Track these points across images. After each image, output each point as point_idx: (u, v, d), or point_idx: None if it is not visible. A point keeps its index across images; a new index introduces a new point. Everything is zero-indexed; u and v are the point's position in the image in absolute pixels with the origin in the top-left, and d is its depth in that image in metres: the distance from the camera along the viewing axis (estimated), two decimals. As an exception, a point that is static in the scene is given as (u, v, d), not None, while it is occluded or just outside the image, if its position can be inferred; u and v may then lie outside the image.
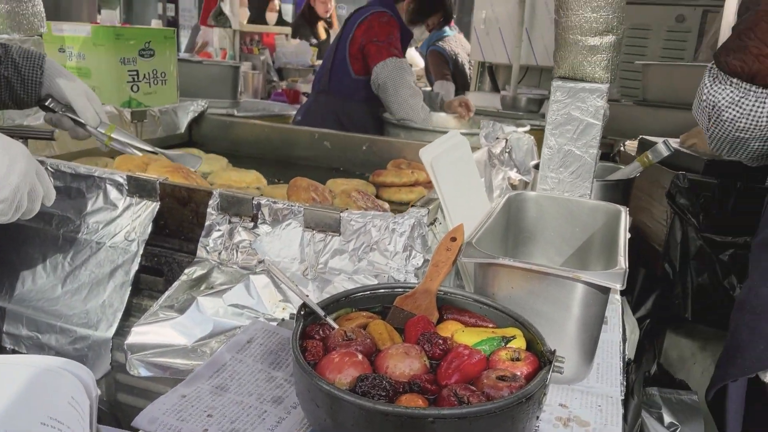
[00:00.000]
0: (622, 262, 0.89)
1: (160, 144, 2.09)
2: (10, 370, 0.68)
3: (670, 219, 1.57)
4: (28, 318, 1.14)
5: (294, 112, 3.24)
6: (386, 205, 1.53)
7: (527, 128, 2.65)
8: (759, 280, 1.18)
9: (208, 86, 3.03)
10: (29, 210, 0.91)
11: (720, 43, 2.46)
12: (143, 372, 0.93)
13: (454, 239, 0.97)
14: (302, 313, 0.81)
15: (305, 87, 4.48)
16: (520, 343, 0.81)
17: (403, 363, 0.74)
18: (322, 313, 0.82)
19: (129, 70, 2.03)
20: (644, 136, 1.92)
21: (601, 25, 1.22)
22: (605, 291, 0.87)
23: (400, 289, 0.91)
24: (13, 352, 1.16)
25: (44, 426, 0.67)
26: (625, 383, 0.95)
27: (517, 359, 0.77)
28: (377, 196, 1.72)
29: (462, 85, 4.72)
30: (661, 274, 1.59)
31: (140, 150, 1.40)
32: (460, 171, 1.22)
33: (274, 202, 1.05)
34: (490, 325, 0.86)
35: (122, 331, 1.08)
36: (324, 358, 0.73)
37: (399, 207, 1.67)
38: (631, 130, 3.08)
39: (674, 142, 1.85)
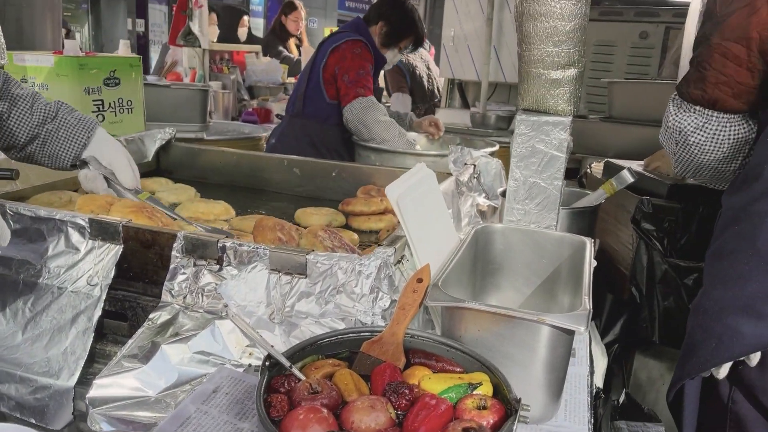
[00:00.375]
0: (587, 302, 0.90)
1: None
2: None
3: (636, 243, 1.60)
4: (-13, 367, 1.10)
5: (265, 133, 3.23)
6: (355, 236, 1.53)
7: (496, 148, 2.68)
8: (709, 284, 1.24)
9: (176, 111, 3.00)
10: None
11: (683, 59, 2.52)
12: (105, 427, 0.90)
13: (420, 280, 0.97)
14: (267, 364, 0.80)
15: (276, 106, 4.47)
16: (486, 389, 0.81)
17: (369, 417, 0.73)
18: (287, 363, 0.82)
19: (94, 100, 2.00)
20: (610, 160, 1.95)
21: (563, 59, 1.24)
22: (570, 332, 0.88)
23: (366, 333, 0.91)
24: (-29, 403, 1.12)
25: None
26: (593, 419, 0.96)
27: (484, 407, 0.77)
28: (347, 225, 1.72)
29: (420, 97, 4.76)
30: (628, 298, 1.62)
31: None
32: (427, 205, 1.22)
33: (240, 245, 1.04)
34: (458, 369, 0.86)
35: (84, 379, 1.06)
36: (288, 415, 0.73)
37: (368, 236, 1.67)
38: (598, 145, 3.14)
39: (638, 165, 1.88)
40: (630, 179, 1.49)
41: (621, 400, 1.24)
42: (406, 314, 0.92)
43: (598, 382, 1.35)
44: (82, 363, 1.06)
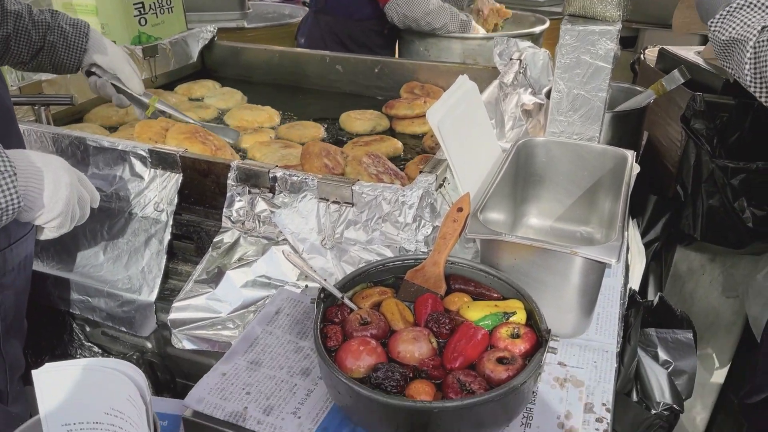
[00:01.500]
0: (621, 231, 0.94)
1: (175, 75, 2.11)
2: (77, 371, 0.79)
3: (684, 141, 1.58)
4: (77, 283, 1.25)
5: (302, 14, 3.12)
6: (399, 145, 1.56)
7: (546, 25, 2.55)
8: None
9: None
10: (82, 216, 0.98)
11: None
12: (187, 345, 1.05)
13: (460, 209, 1.02)
14: (321, 296, 0.90)
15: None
16: (520, 316, 0.89)
17: (413, 347, 0.83)
18: (339, 295, 0.91)
19: (134, 3, 2.00)
20: (665, 48, 1.85)
21: (613, -41, 1.17)
22: (602, 262, 0.93)
23: (410, 261, 0.98)
24: (68, 314, 1.29)
25: (108, 415, 0.80)
26: (622, 333, 1.04)
27: (517, 336, 0.85)
28: (391, 128, 1.75)
29: None
30: (672, 196, 1.63)
31: (180, 120, 1.44)
32: (469, 122, 1.24)
33: (290, 175, 1.11)
34: (494, 295, 0.94)
35: (162, 294, 1.20)
36: (343, 346, 0.83)
37: (413, 140, 1.69)
38: (657, 10, 2.90)
39: (695, 54, 1.79)
40: (681, 80, 1.44)
41: (655, 302, 1.30)
42: (447, 243, 0.98)
43: (635, 283, 1.41)
44: (159, 281, 1.19)
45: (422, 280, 0.95)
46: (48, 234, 0.93)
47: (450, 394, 0.76)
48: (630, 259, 1.33)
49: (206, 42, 2.19)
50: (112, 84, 1.38)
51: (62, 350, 1.32)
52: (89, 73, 1.40)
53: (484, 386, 0.77)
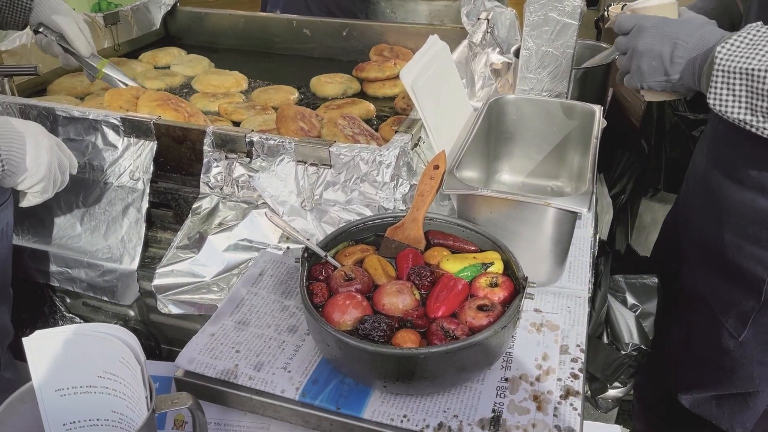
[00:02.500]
0: (590, 182, 0.98)
1: (139, 44, 2.07)
2: (67, 337, 0.80)
3: (648, 96, 1.62)
4: (55, 255, 1.25)
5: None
6: (371, 107, 1.57)
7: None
8: None
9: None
10: (62, 182, 0.97)
11: None
12: (173, 309, 1.06)
13: (437, 167, 1.05)
14: (305, 255, 0.92)
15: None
16: (498, 267, 0.93)
17: (397, 299, 0.86)
18: (323, 253, 0.93)
19: (92, -31, 1.93)
20: (628, 4, 1.88)
21: None
22: (574, 212, 0.97)
23: (389, 219, 1.01)
24: (47, 286, 1.29)
25: (101, 378, 0.82)
26: (593, 279, 1.09)
27: (495, 285, 0.89)
28: (362, 91, 1.75)
29: None
30: (637, 150, 1.68)
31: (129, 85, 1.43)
32: (441, 81, 1.25)
33: (267, 139, 1.11)
34: (472, 248, 0.98)
35: (143, 262, 1.20)
36: (329, 301, 0.86)
37: (384, 102, 1.70)
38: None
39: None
40: (645, 35, 1.47)
41: (623, 251, 1.36)
42: (425, 200, 1.01)
43: (603, 234, 1.47)
44: (140, 249, 1.19)
45: (402, 236, 0.98)
46: (31, 200, 0.93)
47: (435, 340, 0.80)
48: (599, 211, 1.38)
49: (168, 8, 2.14)
50: (60, 44, 1.36)
51: (43, 323, 1.32)
52: (36, 32, 1.37)
53: (466, 332, 0.81)
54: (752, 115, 0.84)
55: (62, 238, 1.26)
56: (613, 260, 1.28)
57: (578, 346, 0.92)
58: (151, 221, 1.25)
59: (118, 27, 1.96)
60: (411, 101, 1.60)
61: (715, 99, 0.87)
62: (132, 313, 1.25)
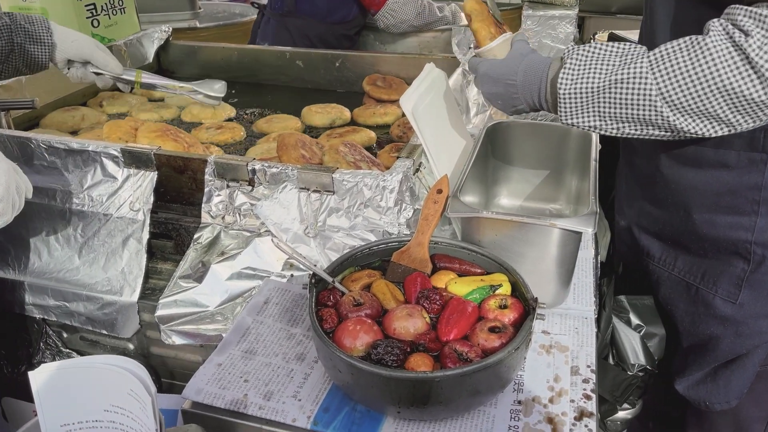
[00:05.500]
0: (594, 203, 0.99)
1: (131, 78, 2.07)
2: (74, 370, 0.78)
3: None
4: (53, 289, 1.23)
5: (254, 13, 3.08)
6: (372, 135, 1.58)
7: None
8: None
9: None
10: (19, 206, 0.96)
11: None
12: (177, 340, 1.04)
13: (440, 191, 1.06)
14: (313, 282, 0.91)
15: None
16: (506, 288, 0.93)
17: (408, 323, 0.85)
18: (330, 279, 0.93)
19: (86, 5, 1.96)
20: (614, 32, 1.93)
21: (568, -54, 1.22)
22: (578, 232, 0.98)
23: (395, 243, 1.01)
24: (43, 321, 1.26)
25: (107, 412, 0.80)
26: (597, 298, 1.09)
27: (505, 306, 0.89)
28: (353, 120, 1.76)
29: None
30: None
31: (170, 86, 1.45)
32: (440, 107, 1.27)
33: (269, 166, 1.11)
34: (478, 271, 0.98)
35: (144, 294, 1.19)
36: (339, 327, 0.85)
37: (376, 131, 1.71)
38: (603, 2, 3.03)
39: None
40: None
41: (620, 271, 1.37)
42: (429, 224, 1.01)
43: (602, 254, 1.48)
44: (140, 280, 1.18)
45: (408, 260, 0.98)
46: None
47: (449, 363, 0.79)
48: (597, 233, 1.39)
49: (161, 42, 2.16)
50: (93, 72, 1.40)
51: (40, 359, 1.29)
52: (68, 68, 1.41)
53: (480, 354, 0.80)
54: (600, 120, 0.98)
55: (60, 271, 1.24)
56: (615, 281, 1.28)
57: (588, 366, 0.92)
58: (150, 252, 1.23)
59: (111, 61, 1.97)
60: (407, 128, 1.62)
61: (565, 116, 1.01)
62: (131, 346, 1.23)
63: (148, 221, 1.19)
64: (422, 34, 2.42)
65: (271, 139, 1.51)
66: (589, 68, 0.97)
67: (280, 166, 1.11)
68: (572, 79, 0.98)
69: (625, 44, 0.97)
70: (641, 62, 0.92)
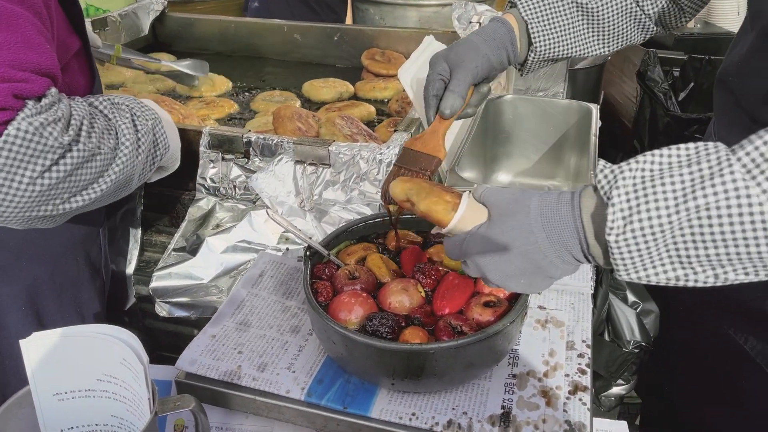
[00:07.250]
0: (593, 180, 0.98)
1: (126, 50, 2.04)
2: (66, 339, 0.78)
3: (640, 97, 1.64)
4: (47, 261, 1.22)
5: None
6: (372, 109, 1.56)
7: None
8: None
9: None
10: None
11: None
12: (172, 312, 1.04)
13: None
14: (308, 254, 0.90)
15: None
16: (502, 263, 0.92)
17: (403, 297, 0.85)
18: (325, 252, 0.92)
19: (79, -26, 1.91)
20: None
21: None
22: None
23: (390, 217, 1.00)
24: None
25: (100, 381, 0.79)
26: (594, 274, 1.08)
27: (501, 280, 0.88)
28: (354, 95, 1.75)
29: None
30: (630, 150, 1.69)
31: (147, 64, 1.44)
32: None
33: (264, 139, 1.10)
34: (476, 245, 0.97)
35: (139, 266, 1.18)
36: (334, 300, 0.84)
37: (375, 105, 1.69)
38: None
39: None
40: (637, 36, 1.49)
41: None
42: (444, 122, 0.95)
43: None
44: (136, 253, 1.17)
45: (421, 146, 0.92)
46: (170, 171, 1.06)
47: (443, 337, 0.79)
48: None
49: (157, 14, 2.13)
50: None
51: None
52: None
53: (474, 328, 0.80)
54: (682, 268, 0.63)
55: (54, 243, 1.23)
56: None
57: (584, 341, 0.91)
58: (145, 225, 1.22)
59: (106, 33, 1.94)
60: (405, 103, 1.60)
61: (627, 271, 0.64)
62: (125, 318, 1.22)
63: (142, 194, 1.18)
64: (422, 8, 2.38)
65: (270, 112, 1.49)
66: (646, 195, 0.60)
67: (275, 138, 1.09)
68: (624, 218, 0.61)
69: (687, 146, 0.62)
70: (729, 171, 0.57)
